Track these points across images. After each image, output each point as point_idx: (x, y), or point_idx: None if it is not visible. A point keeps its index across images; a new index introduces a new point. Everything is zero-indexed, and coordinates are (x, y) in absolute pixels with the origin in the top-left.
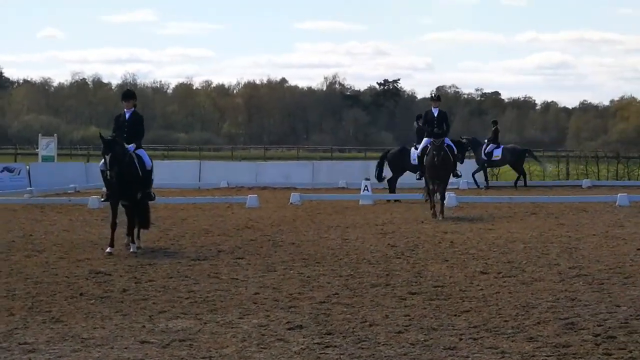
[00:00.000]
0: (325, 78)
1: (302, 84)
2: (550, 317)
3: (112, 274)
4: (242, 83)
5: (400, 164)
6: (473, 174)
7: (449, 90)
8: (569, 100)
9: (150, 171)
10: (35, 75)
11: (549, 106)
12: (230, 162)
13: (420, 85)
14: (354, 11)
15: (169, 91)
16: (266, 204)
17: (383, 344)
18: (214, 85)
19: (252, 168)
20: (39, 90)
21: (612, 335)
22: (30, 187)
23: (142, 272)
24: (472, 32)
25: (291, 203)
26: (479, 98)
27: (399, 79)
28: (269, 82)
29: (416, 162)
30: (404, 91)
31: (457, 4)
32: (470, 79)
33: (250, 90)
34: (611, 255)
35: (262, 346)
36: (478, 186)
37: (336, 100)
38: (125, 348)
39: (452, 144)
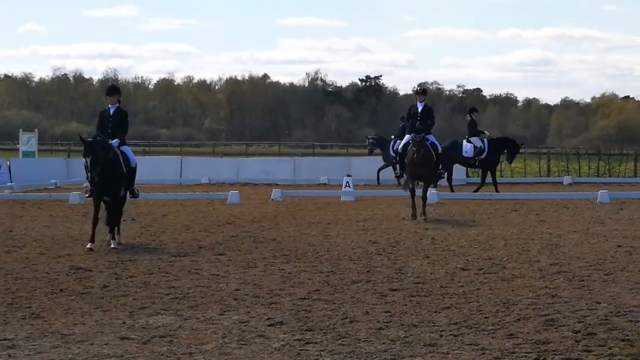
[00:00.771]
0: (307, 74)
1: (284, 80)
2: (531, 314)
3: (92, 270)
4: (224, 79)
5: (450, 157)
6: (378, 171)
7: (431, 87)
8: (551, 97)
9: (135, 168)
10: (16, 71)
11: (530, 103)
12: (211, 158)
13: (402, 81)
14: (336, 8)
15: (151, 87)
16: (247, 200)
17: (363, 341)
18: (195, 80)
19: (234, 164)
20: (20, 86)
21: (592, 332)
22: (11, 182)
23: (122, 268)
24: (454, 29)
25: (272, 199)
26: (460, 94)
27: (380, 76)
28: (251, 78)
29: (469, 154)
30: (386, 88)
31: (439, 1)
32: (452, 76)
33: (232, 86)
34: (592, 252)
35: (242, 342)
36: (379, 183)
37: (318, 96)
38: (106, 344)
39: (435, 141)
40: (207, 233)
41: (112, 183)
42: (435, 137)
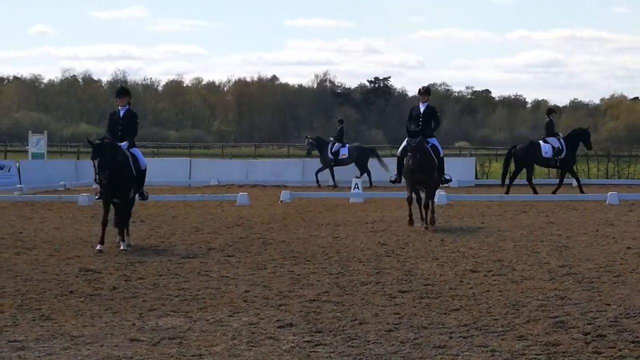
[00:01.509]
0: (316, 76)
1: (293, 81)
2: (540, 316)
3: (102, 272)
4: (233, 80)
5: (529, 159)
6: (316, 173)
7: (439, 88)
8: (560, 98)
9: (144, 171)
10: (25, 72)
11: (539, 104)
12: (220, 159)
13: (411, 83)
14: (346, 9)
15: (160, 88)
16: (256, 201)
17: (373, 342)
18: (204, 82)
19: (243, 166)
20: (29, 87)
21: (602, 334)
22: (20, 184)
23: (132, 269)
24: (463, 30)
25: (281, 201)
26: (469, 96)
27: (389, 77)
28: (260, 79)
29: (549, 155)
30: (395, 89)
31: (448, 2)
32: (461, 77)
33: (240, 88)
34: (601, 253)
35: (252, 344)
36: (318, 185)
37: (327, 97)
38: (115, 346)
39: (437, 144)
40: (216, 235)
41: (121, 185)
42: (438, 140)
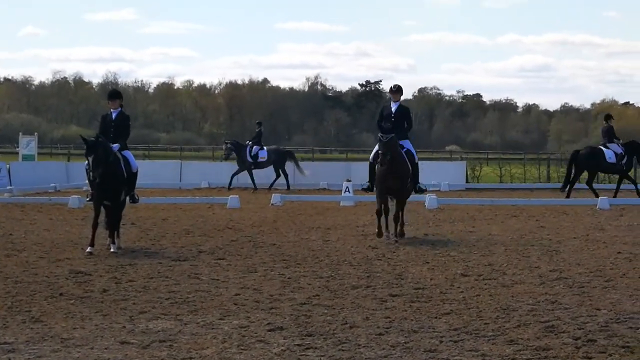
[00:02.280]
0: (307, 79)
1: (284, 84)
2: (531, 320)
3: (92, 274)
4: (224, 83)
5: (593, 164)
6: (232, 175)
7: (430, 92)
8: (551, 102)
9: (136, 173)
10: (16, 74)
11: (530, 109)
12: (211, 162)
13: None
14: (337, 12)
15: (150, 90)
16: (247, 204)
17: (364, 346)
18: (195, 85)
19: (234, 168)
20: (20, 89)
21: (593, 339)
22: (11, 186)
23: (122, 272)
24: (454, 34)
25: (272, 204)
26: (460, 100)
27: (380, 81)
28: (251, 82)
29: (613, 160)
30: (386, 93)
31: (440, 6)
32: (452, 81)
33: (231, 90)
34: (592, 258)
35: (242, 347)
36: (229, 188)
37: (318, 101)
38: (106, 348)
39: (412, 148)
40: (206, 237)
41: (112, 187)
42: (412, 144)
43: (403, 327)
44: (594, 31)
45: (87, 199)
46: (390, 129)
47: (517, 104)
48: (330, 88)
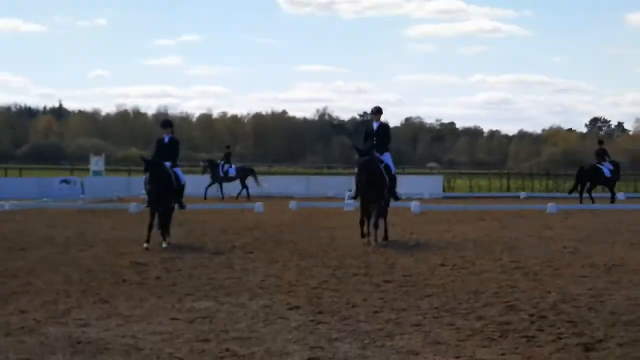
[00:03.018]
0: (317, 110)
1: (299, 114)
2: (495, 301)
3: (148, 265)
4: (251, 114)
5: (595, 178)
6: (206, 188)
7: (415, 121)
8: (510, 128)
9: (184, 185)
10: (87, 107)
11: (494, 134)
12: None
13: (393, 116)
14: (341, 58)
15: (194, 120)
16: (270, 209)
17: (363, 321)
18: (229, 115)
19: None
20: (90, 119)
21: (544, 315)
22: (83, 195)
23: (172, 263)
24: (433, 75)
25: (290, 209)
26: (438, 127)
27: None
28: (273, 113)
29: (608, 174)
30: None
31: (421, 52)
32: (432, 112)
33: (257, 120)
34: (543, 252)
35: (267, 322)
36: (205, 197)
37: (326, 128)
38: (159, 323)
39: (390, 162)
40: (238, 235)
41: (164, 196)
42: (392, 158)
43: (394, 306)
44: (544, 72)
45: (144, 206)
46: (365, 152)
47: (484, 130)
48: (336, 118)
